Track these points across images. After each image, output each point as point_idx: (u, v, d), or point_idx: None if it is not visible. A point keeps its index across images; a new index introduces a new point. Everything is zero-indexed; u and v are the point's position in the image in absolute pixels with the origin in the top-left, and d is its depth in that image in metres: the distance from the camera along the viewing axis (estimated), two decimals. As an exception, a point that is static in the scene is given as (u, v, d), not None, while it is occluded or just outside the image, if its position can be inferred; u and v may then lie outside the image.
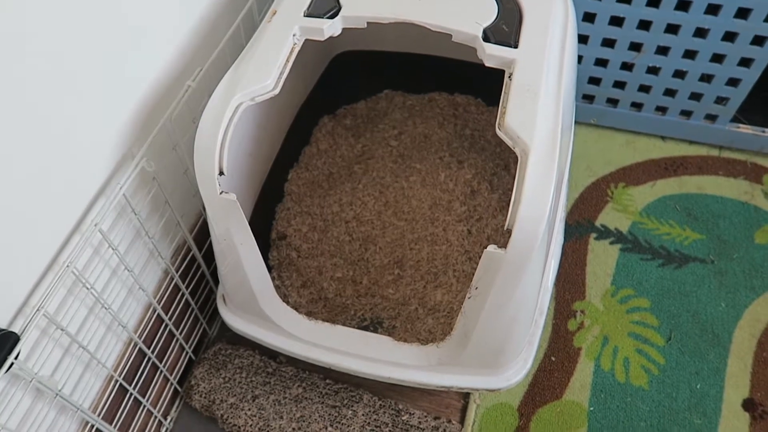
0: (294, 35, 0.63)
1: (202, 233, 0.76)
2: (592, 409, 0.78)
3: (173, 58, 0.67)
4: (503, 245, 0.54)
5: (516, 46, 0.61)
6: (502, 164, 0.96)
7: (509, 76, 0.60)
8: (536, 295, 0.66)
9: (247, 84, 0.59)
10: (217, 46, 0.69)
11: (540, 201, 0.53)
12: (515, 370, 0.69)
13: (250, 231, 0.62)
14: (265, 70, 0.60)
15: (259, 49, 0.62)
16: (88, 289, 0.57)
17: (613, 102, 1.05)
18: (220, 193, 0.57)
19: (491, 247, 0.54)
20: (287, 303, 0.83)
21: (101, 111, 0.58)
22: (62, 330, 0.55)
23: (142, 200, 0.64)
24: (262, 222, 0.88)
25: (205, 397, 0.76)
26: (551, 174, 0.54)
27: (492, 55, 0.61)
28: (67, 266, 0.53)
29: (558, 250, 0.82)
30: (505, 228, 0.53)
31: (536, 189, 0.53)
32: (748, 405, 0.78)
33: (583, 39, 0.96)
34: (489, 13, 0.64)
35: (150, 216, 0.67)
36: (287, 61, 0.61)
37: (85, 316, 0.60)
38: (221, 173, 0.57)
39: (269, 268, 0.86)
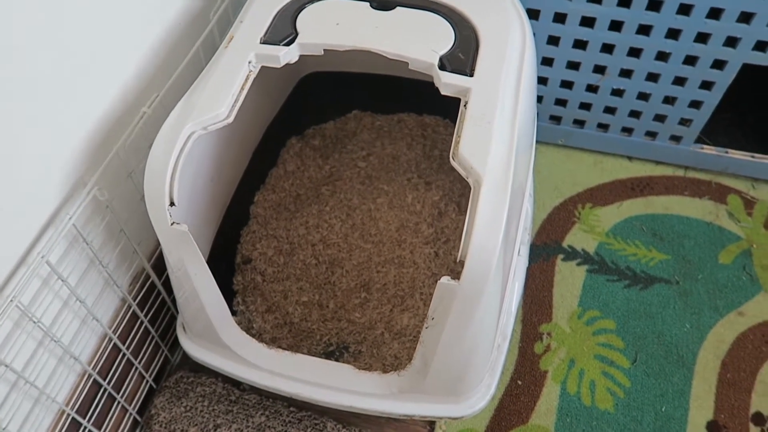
0: (250, 62, 0.63)
1: (162, 260, 0.74)
2: (557, 433, 0.78)
3: (128, 84, 0.66)
4: (456, 276, 0.54)
5: (471, 75, 0.62)
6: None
7: (464, 105, 0.60)
8: (495, 322, 0.65)
9: (199, 113, 0.58)
10: (176, 70, 0.69)
11: (492, 231, 0.53)
12: (478, 398, 0.69)
13: (204, 261, 0.61)
14: (218, 99, 0.59)
15: (214, 77, 0.61)
16: (35, 323, 0.56)
17: (579, 123, 1.06)
18: (171, 224, 0.56)
19: (444, 279, 0.54)
20: (251, 329, 0.82)
21: (50, 138, 0.57)
22: (6, 366, 0.53)
23: (95, 229, 0.63)
24: (227, 246, 0.87)
25: (165, 427, 0.75)
26: (503, 204, 0.54)
27: (448, 83, 0.61)
28: (11, 300, 0.52)
29: (522, 273, 0.82)
30: (458, 259, 0.53)
31: (488, 219, 0.53)
32: (713, 427, 0.79)
33: (548, 62, 0.96)
34: (446, 41, 0.64)
35: (104, 245, 0.66)
36: (242, 88, 0.61)
37: (33, 350, 0.59)
38: (172, 204, 0.56)
39: (233, 293, 0.85)
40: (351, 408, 0.68)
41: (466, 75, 0.62)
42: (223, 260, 0.85)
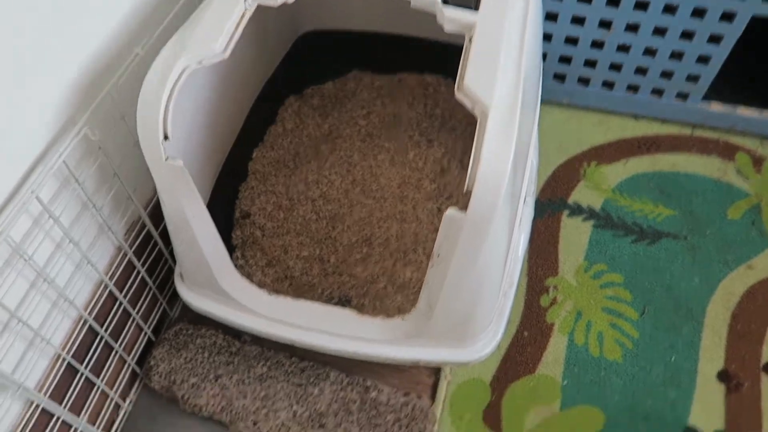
0: (245, 0, 0.61)
1: (159, 210, 0.73)
2: (565, 382, 0.77)
3: (121, 24, 0.64)
4: (464, 207, 0.52)
5: (476, 8, 0.59)
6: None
7: (469, 39, 0.58)
8: (502, 262, 0.64)
9: (193, 46, 0.56)
10: (170, 12, 0.66)
11: (500, 159, 0.51)
12: (484, 342, 0.67)
13: (202, 201, 0.59)
14: (213, 33, 0.57)
15: (208, 13, 0.59)
16: (26, 260, 0.54)
17: (584, 81, 1.03)
18: (166, 159, 0.55)
19: (451, 210, 0.52)
20: (251, 283, 0.81)
21: (39, 75, 0.55)
22: (-2, 302, 0.51)
23: (87, 170, 0.61)
24: (225, 201, 0.85)
25: (165, 378, 0.73)
26: (512, 132, 0.52)
27: (451, 18, 0.59)
28: (0, 234, 0.50)
29: (528, 223, 0.80)
30: (465, 190, 0.51)
31: (496, 147, 0.51)
32: (723, 376, 0.77)
33: (552, 17, 0.94)
34: (449, -25, 0.62)
35: (98, 189, 0.64)
36: (237, 26, 0.59)
37: (26, 291, 0.57)
38: (166, 137, 0.54)
39: (233, 248, 0.84)
40: (354, 354, 0.67)
41: (471, 9, 0.60)
42: (222, 214, 0.84)
